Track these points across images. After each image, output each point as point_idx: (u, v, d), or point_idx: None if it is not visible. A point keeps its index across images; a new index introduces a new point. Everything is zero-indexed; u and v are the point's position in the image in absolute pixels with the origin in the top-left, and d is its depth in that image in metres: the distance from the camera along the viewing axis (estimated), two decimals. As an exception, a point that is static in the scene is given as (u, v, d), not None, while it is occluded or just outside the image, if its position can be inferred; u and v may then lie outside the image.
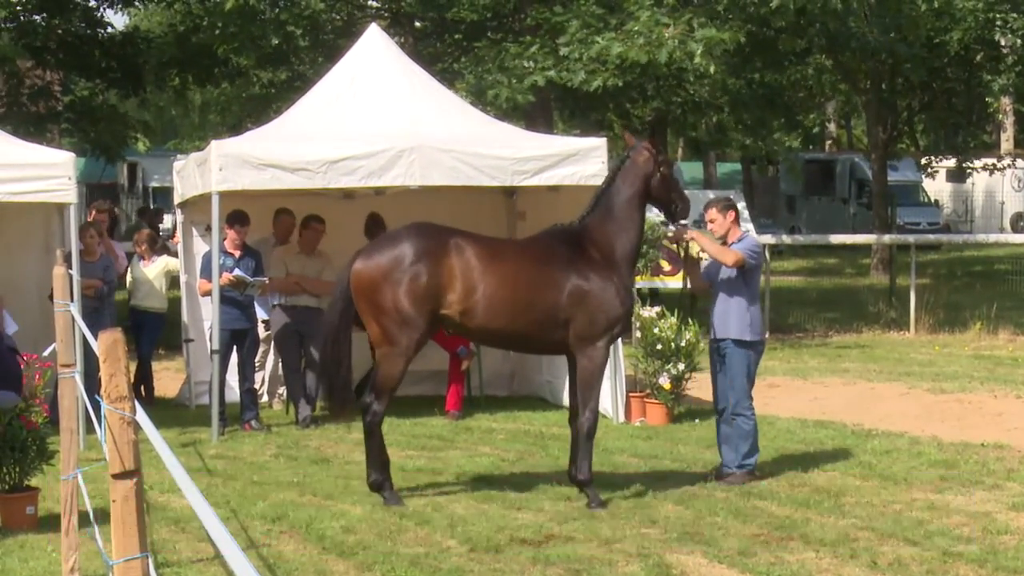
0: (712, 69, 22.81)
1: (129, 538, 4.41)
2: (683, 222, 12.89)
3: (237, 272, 15.78)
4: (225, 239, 15.96)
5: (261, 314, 16.90)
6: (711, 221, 12.94)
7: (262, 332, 17.02)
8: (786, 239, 37.17)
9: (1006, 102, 48.07)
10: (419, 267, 11.65)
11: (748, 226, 27.12)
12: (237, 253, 16.04)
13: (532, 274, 11.94)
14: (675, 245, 13.86)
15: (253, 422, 15.97)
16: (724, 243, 12.80)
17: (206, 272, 16.05)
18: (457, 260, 11.76)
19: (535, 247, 12.45)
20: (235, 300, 15.90)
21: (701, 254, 13.65)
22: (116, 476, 4.48)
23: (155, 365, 19.21)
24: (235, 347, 16.07)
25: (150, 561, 4.52)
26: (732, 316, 12.61)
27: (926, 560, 9.79)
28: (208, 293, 15.83)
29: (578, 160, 15.79)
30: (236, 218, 16.01)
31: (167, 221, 36.61)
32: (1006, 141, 58.57)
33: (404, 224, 12.54)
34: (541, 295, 11.87)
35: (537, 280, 11.91)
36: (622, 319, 12.22)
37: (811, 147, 59.86)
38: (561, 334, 11.97)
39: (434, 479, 12.84)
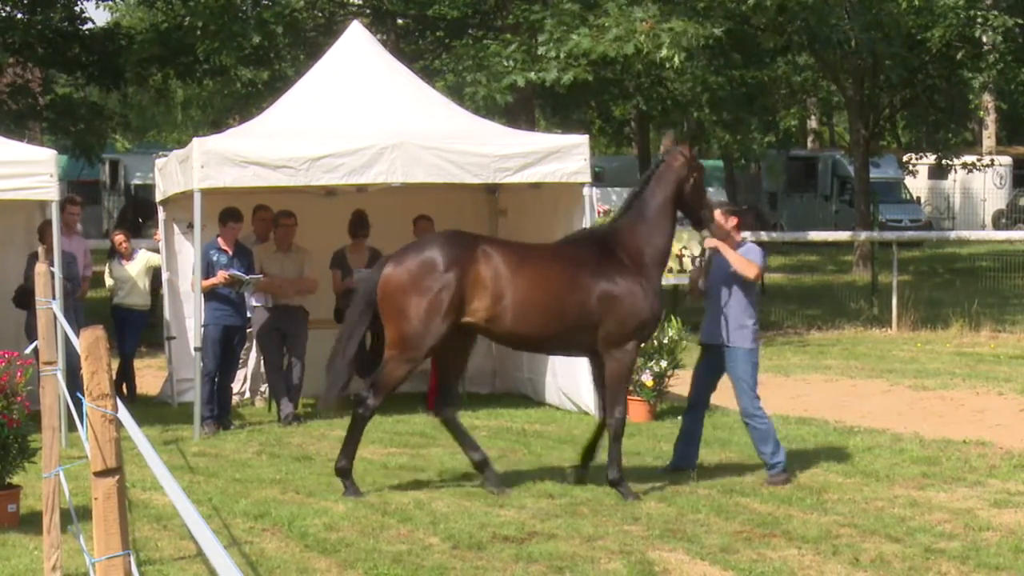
0: (677, 61, 22.77)
1: (111, 536, 4.40)
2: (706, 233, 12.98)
3: (233, 271, 15.74)
4: (219, 236, 15.94)
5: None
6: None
7: (244, 329, 17.02)
8: (764, 236, 37.18)
9: (988, 99, 48.14)
10: (448, 276, 11.76)
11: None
12: (230, 251, 16.00)
13: (561, 279, 12.04)
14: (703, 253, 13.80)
15: (206, 426, 15.53)
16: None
17: (204, 270, 15.83)
18: (485, 268, 11.86)
19: (565, 251, 12.55)
20: (227, 297, 15.87)
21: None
22: (98, 474, 4.46)
23: (137, 363, 19.15)
24: (224, 344, 16.00)
25: (132, 559, 4.52)
26: (734, 323, 12.60)
27: (908, 557, 9.80)
28: (206, 290, 15.70)
29: (560, 157, 15.79)
30: (230, 215, 15.98)
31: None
32: (988, 138, 58.69)
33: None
34: (570, 299, 11.96)
35: (566, 285, 12.00)
36: (650, 322, 12.37)
37: (793, 143, 59.82)
38: (590, 337, 12.12)
39: (416, 476, 12.84)
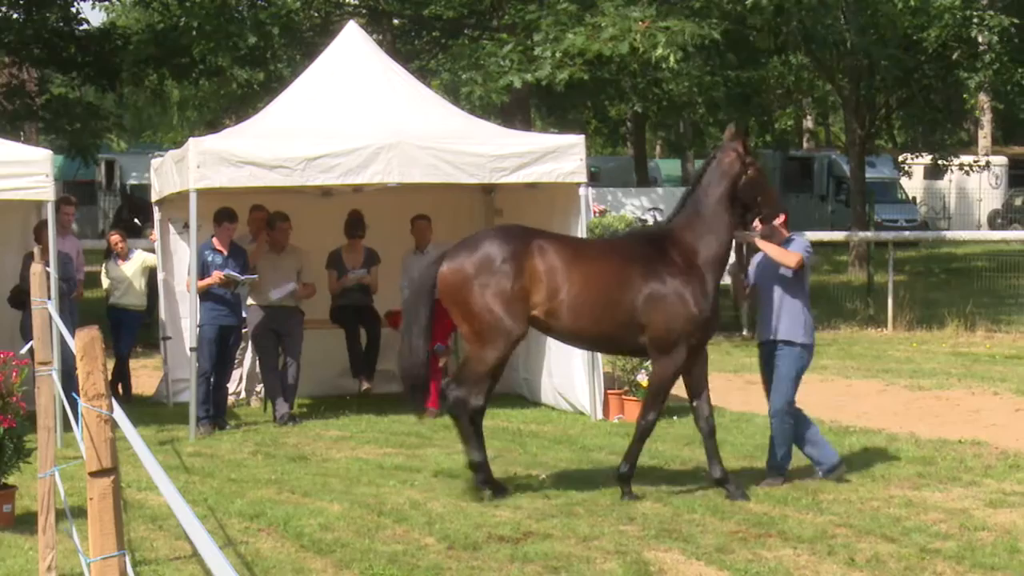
0: (672, 61, 22.76)
1: (106, 536, 4.40)
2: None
3: (228, 272, 15.72)
4: (214, 236, 15.93)
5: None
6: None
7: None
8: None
9: (983, 99, 48.17)
10: (505, 269, 11.59)
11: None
12: (225, 251, 15.98)
13: (613, 275, 11.79)
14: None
15: (202, 426, 15.60)
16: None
17: (200, 271, 15.85)
18: (540, 262, 11.68)
19: (618, 247, 12.39)
20: (223, 297, 15.86)
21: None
22: (93, 474, 4.46)
23: (133, 363, 19.13)
24: (219, 344, 15.97)
25: (127, 559, 4.51)
26: (785, 317, 12.34)
27: (903, 557, 9.80)
28: (201, 290, 15.70)
29: (556, 157, 15.78)
30: (224, 215, 15.96)
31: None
32: (984, 138, 58.75)
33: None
34: (620, 297, 11.72)
35: (616, 281, 11.76)
36: (700, 327, 11.90)
37: (790, 143, 59.89)
38: (640, 337, 11.87)
39: (412, 476, 12.82)
